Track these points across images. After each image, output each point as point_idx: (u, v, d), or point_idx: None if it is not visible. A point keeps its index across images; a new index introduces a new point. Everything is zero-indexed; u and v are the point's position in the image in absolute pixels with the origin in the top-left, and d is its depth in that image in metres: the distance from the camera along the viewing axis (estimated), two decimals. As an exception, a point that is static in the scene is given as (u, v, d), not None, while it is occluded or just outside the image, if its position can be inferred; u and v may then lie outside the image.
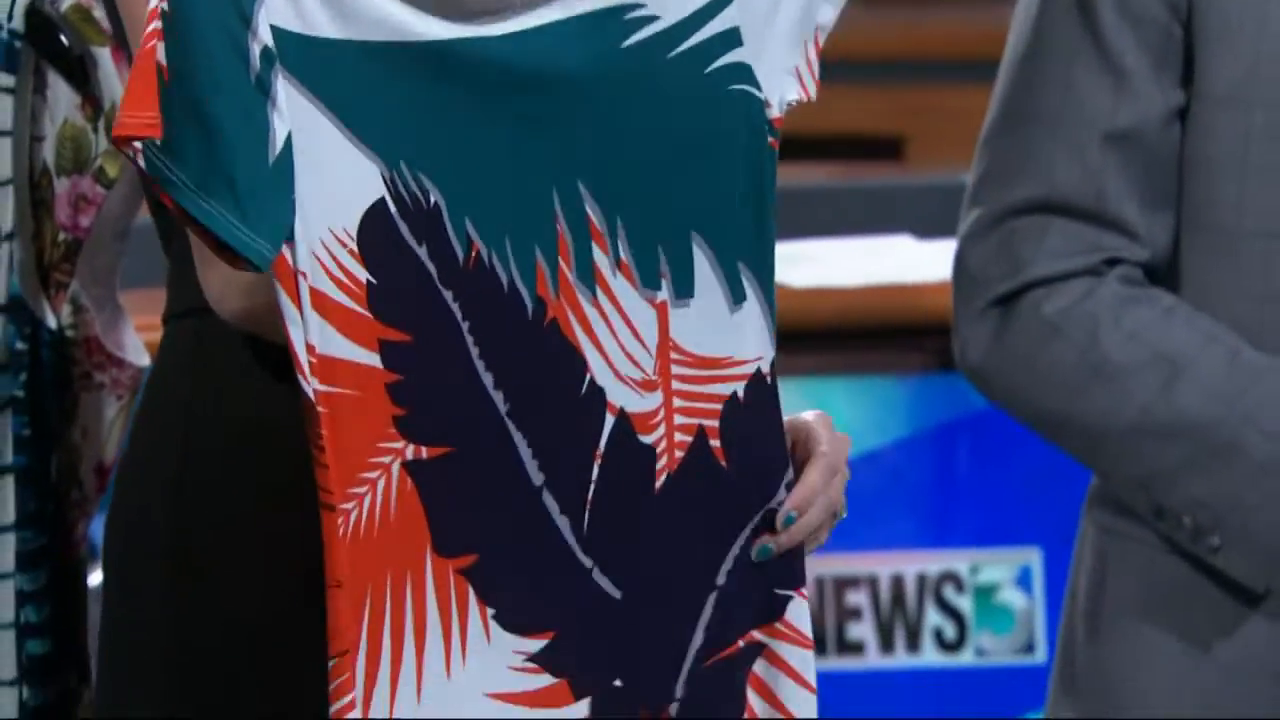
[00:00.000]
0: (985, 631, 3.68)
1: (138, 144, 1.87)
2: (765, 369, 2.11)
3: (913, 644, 3.66)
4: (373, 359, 1.98)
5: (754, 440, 2.12)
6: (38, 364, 2.20)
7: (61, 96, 2.24)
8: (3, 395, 2.19)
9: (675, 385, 2.08)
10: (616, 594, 2.05)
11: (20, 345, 2.19)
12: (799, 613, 2.13)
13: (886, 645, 3.66)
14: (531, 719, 2.04)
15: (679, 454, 2.08)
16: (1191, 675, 2.36)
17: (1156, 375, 2.31)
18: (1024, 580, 3.68)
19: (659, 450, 2.08)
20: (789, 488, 2.14)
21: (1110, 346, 2.31)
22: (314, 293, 1.95)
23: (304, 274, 1.94)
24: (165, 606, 2.16)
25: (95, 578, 2.81)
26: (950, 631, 3.68)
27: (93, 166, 2.25)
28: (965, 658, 3.67)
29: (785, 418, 2.16)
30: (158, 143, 1.88)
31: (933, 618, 3.67)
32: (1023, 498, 3.60)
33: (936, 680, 3.67)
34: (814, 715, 2.14)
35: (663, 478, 2.07)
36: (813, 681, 2.13)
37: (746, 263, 2.11)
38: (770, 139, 2.10)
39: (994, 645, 3.66)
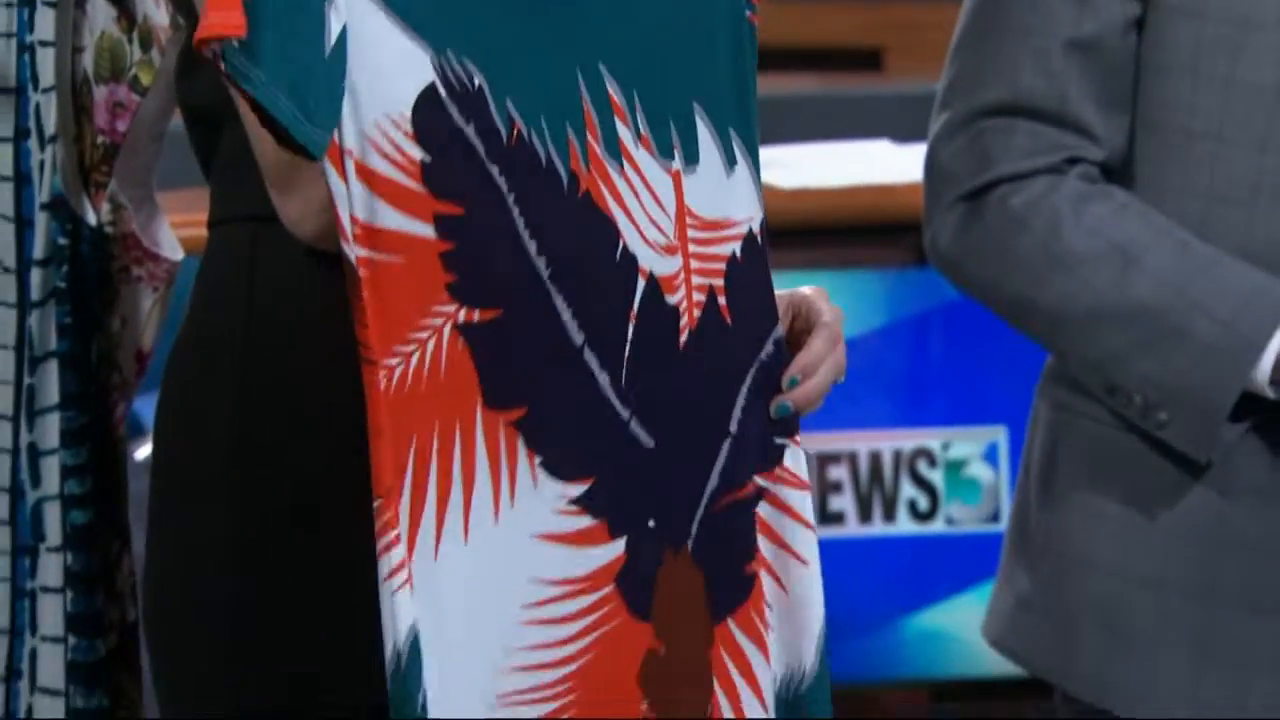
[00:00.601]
0: (955, 502, 3.70)
1: (216, 45, 1.85)
2: (756, 228, 2.12)
3: (889, 514, 3.69)
4: (427, 230, 1.97)
5: (750, 296, 2.13)
6: (78, 258, 2.19)
7: (100, 10, 2.22)
8: (46, 286, 2.17)
9: (691, 249, 2.09)
10: (650, 442, 2.05)
11: (62, 240, 2.18)
12: (796, 459, 2.15)
13: (865, 516, 3.68)
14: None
15: (696, 313, 2.09)
16: (1136, 540, 2.35)
17: (1112, 264, 2.29)
18: (991, 456, 3.70)
19: (681, 310, 2.08)
20: (777, 343, 2.14)
21: (1071, 238, 2.30)
22: (361, 168, 1.94)
23: (350, 151, 1.92)
24: (226, 495, 2.15)
25: (140, 453, 2.81)
26: (923, 503, 3.70)
27: (128, 75, 2.24)
28: (937, 526, 3.69)
29: (786, 290, 2.17)
30: (236, 43, 1.86)
31: (907, 490, 3.69)
32: (990, 380, 3.62)
33: (911, 547, 3.69)
34: (815, 553, 2.14)
35: (685, 335, 2.08)
36: (812, 521, 2.14)
37: (735, 129, 2.12)
38: (749, 13, 2.12)
39: (963, 515, 3.68)
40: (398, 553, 1.94)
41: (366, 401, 1.95)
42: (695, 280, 2.09)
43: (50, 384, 2.17)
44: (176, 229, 2.33)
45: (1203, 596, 2.31)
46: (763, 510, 2.12)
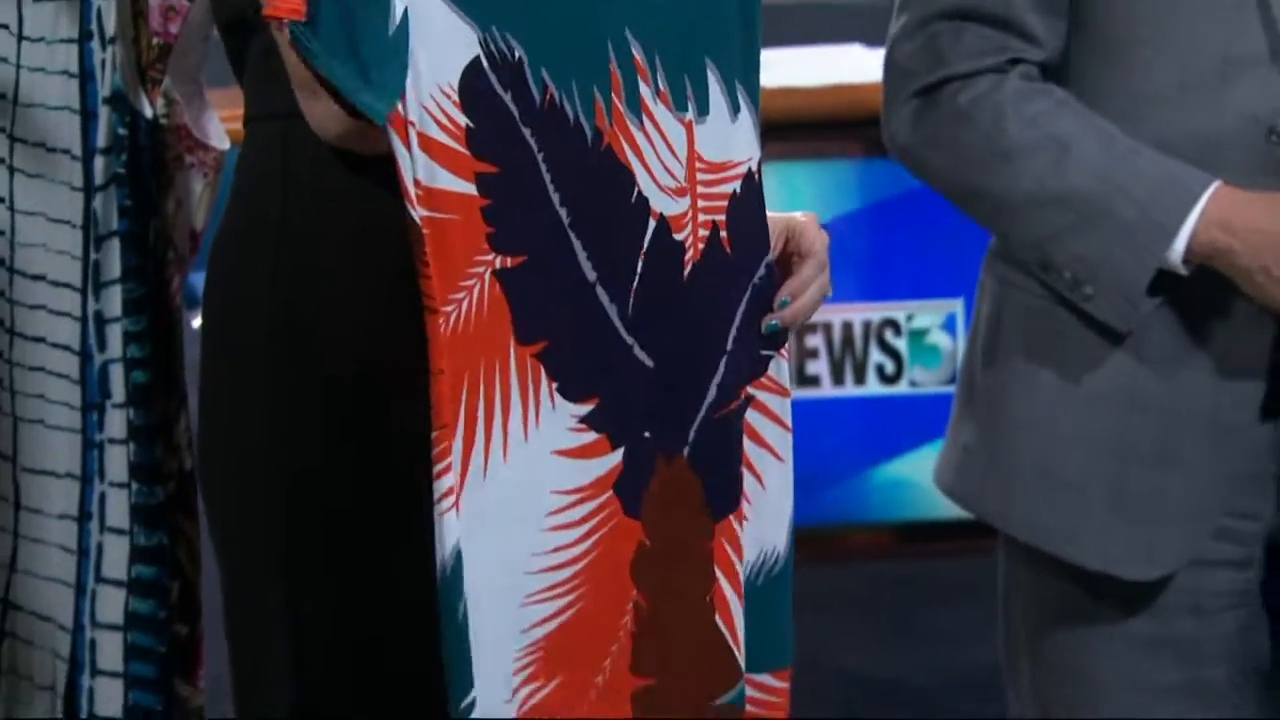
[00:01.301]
0: (918, 367, 3.69)
1: (283, 19, 1.88)
2: (754, 167, 2.12)
3: (859, 377, 3.68)
4: (470, 188, 1.98)
5: (747, 227, 2.13)
6: (137, 147, 2.19)
7: (154, -76, 2.21)
8: (108, 172, 2.18)
9: (699, 190, 2.09)
10: (650, 363, 2.06)
11: (122, 131, 2.18)
12: (779, 368, 2.16)
13: (838, 379, 3.68)
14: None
15: (700, 246, 2.09)
16: (1066, 401, 2.35)
17: (1047, 155, 2.28)
18: (949, 325, 3.69)
19: (686, 245, 2.08)
20: (768, 266, 2.15)
21: (1011, 131, 2.29)
22: (421, 137, 1.94)
23: (413, 123, 1.93)
24: (264, 363, 2.16)
25: (196, 322, 2.81)
26: (890, 367, 3.69)
27: (179, -18, 2.23)
28: (901, 388, 3.69)
29: (780, 215, 2.17)
30: (300, 20, 1.88)
31: (875, 356, 3.69)
32: (948, 258, 3.61)
33: (878, 406, 3.69)
34: (790, 452, 2.16)
35: (689, 267, 2.08)
36: (789, 424, 2.16)
37: (740, 80, 2.12)
38: None
39: (925, 378, 3.68)
40: (448, 480, 1.96)
41: (429, 346, 1.96)
42: (701, 218, 2.09)
43: (113, 259, 2.18)
44: (224, 122, 2.33)
45: (1119, 453, 2.32)
46: (750, 416, 2.13)
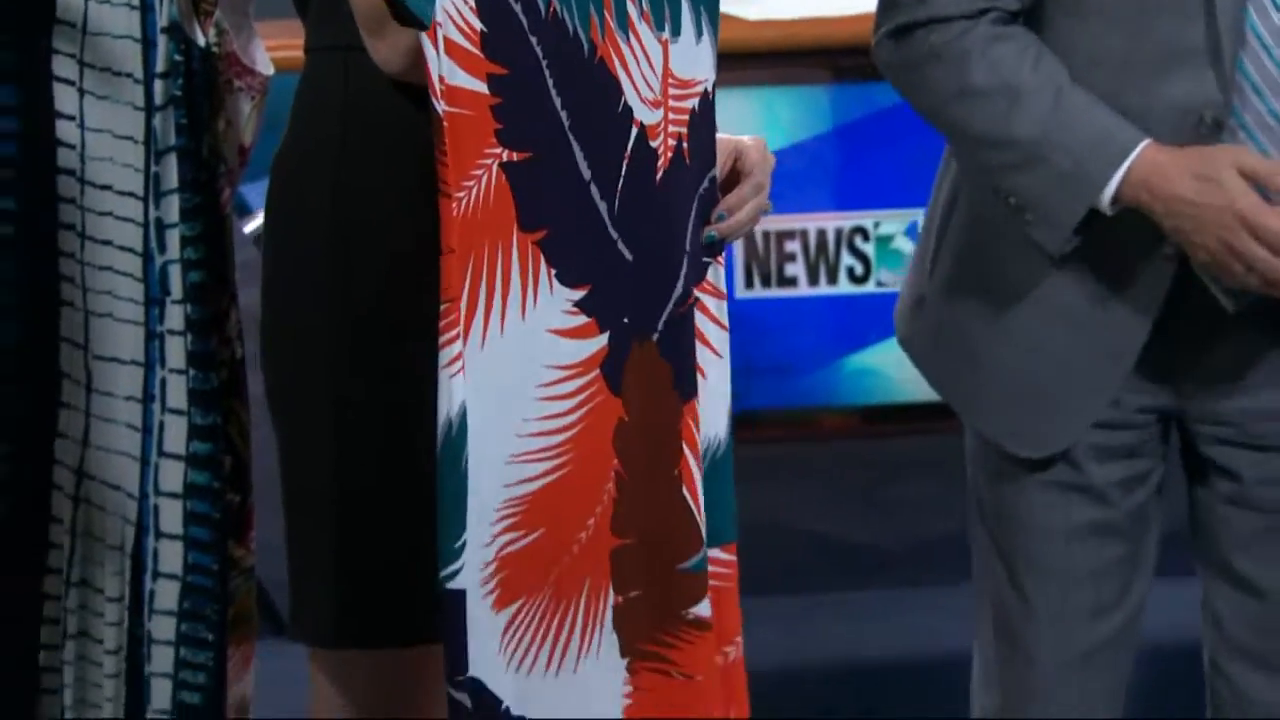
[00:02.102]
0: (884, 269, 3.66)
1: None
2: (709, 88, 2.12)
3: (832, 278, 3.65)
4: (482, 87, 1.97)
5: (701, 141, 2.13)
6: (191, 72, 2.18)
7: None
8: (166, 94, 2.16)
9: (670, 104, 2.08)
10: (630, 257, 2.06)
11: (178, 57, 2.17)
12: (717, 274, 2.16)
13: (813, 279, 3.65)
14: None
15: (669, 155, 2.08)
16: (1008, 312, 2.34)
17: (1001, 102, 2.26)
18: (911, 231, 3.63)
19: (659, 152, 2.08)
20: (712, 180, 2.14)
21: (974, 75, 2.27)
22: (446, 40, 1.95)
23: (439, 24, 1.94)
24: (325, 265, 2.16)
25: (246, 228, 2.80)
26: (859, 269, 3.66)
27: (230, -80, 2.21)
28: (869, 287, 3.66)
29: (730, 137, 2.17)
30: None
31: (846, 259, 3.65)
32: (911, 173, 3.57)
33: (848, 304, 3.66)
34: (727, 349, 2.16)
35: (660, 173, 2.07)
36: (726, 323, 2.16)
37: (704, 5, 2.11)
38: None
39: (889, 278, 3.65)
40: (455, 347, 1.97)
41: (442, 227, 1.96)
42: (671, 129, 2.08)
43: (171, 171, 2.17)
44: (270, 51, 2.31)
45: (1027, 347, 2.32)
46: (697, 319, 2.13)
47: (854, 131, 3.62)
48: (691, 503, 2.09)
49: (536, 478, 2.01)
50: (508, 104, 1.99)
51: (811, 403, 3.66)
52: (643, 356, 2.07)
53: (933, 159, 2.46)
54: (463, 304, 1.97)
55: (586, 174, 2.03)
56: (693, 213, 2.12)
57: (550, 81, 2.01)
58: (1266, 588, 2.36)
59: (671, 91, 2.08)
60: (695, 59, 2.10)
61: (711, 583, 2.13)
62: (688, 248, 2.11)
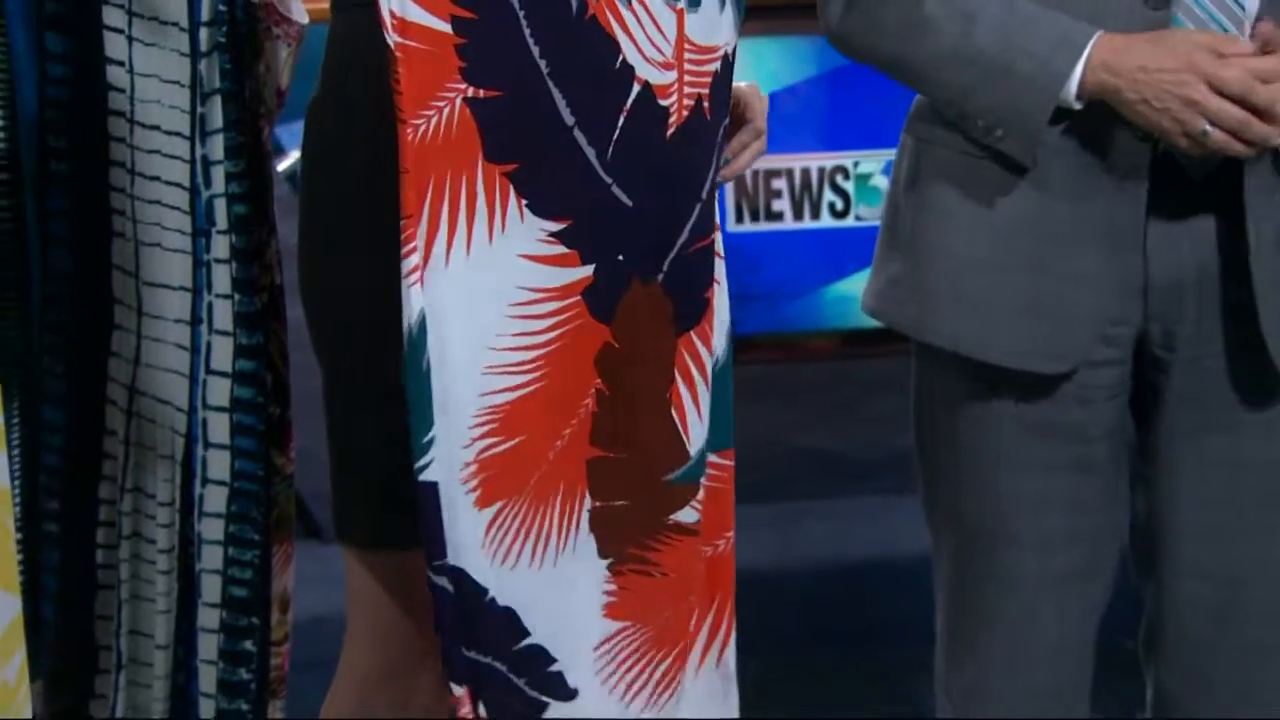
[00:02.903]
0: (862, 204, 3.66)
1: None
2: (730, 51, 2.08)
3: (815, 213, 3.66)
4: (445, 26, 1.93)
5: (720, 98, 2.09)
6: (234, 20, 2.15)
7: None
8: (212, 41, 2.14)
9: (687, 67, 2.04)
10: (629, 202, 2.02)
11: (222, 7, 2.14)
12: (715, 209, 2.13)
13: (798, 214, 3.66)
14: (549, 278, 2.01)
15: (685, 113, 2.04)
16: (980, 231, 2.30)
17: (956, 25, 2.22)
18: (887, 170, 3.64)
19: (671, 110, 2.03)
20: (724, 128, 2.11)
21: (926, 6, 2.23)
22: None
23: None
24: (357, 196, 2.16)
25: (280, 166, 2.76)
26: (840, 204, 3.67)
27: (268, -118, 2.18)
28: (849, 221, 3.67)
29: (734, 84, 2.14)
30: None
31: (828, 195, 3.66)
32: (887, 116, 3.57)
33: (830, 237, 3.67)
34: (725, 276, 2.14)
35: (672, 129, 2.03)
36: (722, 253, 2.14)
37: None
38: None
39: (868, 213, 3.65)
40: (413, 259, 1.94)
41: (400, 150, 1.93)
42: (687, 90, 2.04)
43: (216, 112, 2.15)
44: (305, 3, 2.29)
45: (1028, 269, 2.28)
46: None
47: (835, 79, 3.61)
48: (679, 423, 2.08)
49: (513, 389, 1.99)
50: (473, 45, 1.94)
51: (797, 328, 3.67)
52: (644, 293, 2.05)
53: (906, 104, 2.44)
54: (423, 222, 1.94)
55: (570, 119, 1.99)
56: (713, 164, 2.09)
57: (527, 31, 1.96)
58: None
59: (688, 56, 2.04)
60: (717, 26, 2.07)
61: (709, 484, 2.13)
62: (704, 195, 2.08)
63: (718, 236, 2.13)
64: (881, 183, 3.65)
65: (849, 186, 3.68)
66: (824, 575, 3.56)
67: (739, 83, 2.17)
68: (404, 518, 2.10)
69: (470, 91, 1.94)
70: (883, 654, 3.31)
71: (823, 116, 3.67)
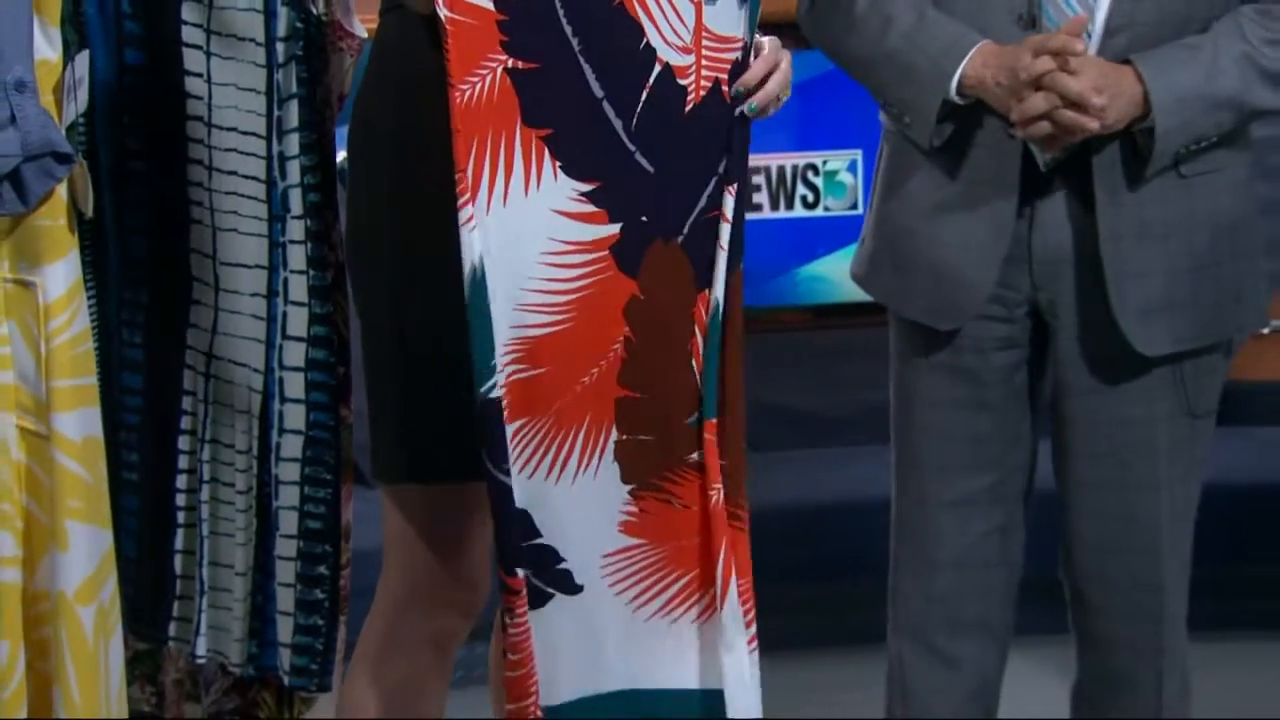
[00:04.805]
0: (830, 197, 3.69)
1: None
2: (749, 43, 2.10)
3: (789, 204, 3.68)
4: (489, 4, 1.96)
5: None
6: (309, 35, 2.20)
7: None
8: (288, 53, 2.18)
9: (705, 52, 2.06)
10: (651, 169, 2.05)
11: (299, 24, 2.19)
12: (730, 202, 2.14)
13: (774, 205, 3.68)
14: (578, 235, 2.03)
15: (703, 93, 2.06)
16: (905, 202, 2.38)
17: (878, 26, 2.31)
18: (852, 168, 3.69)
19: (689, 89, 2.06)
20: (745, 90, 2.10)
21: (858, 9, 2.32)
22: None
23: None
24: (390, 174, 2.18)
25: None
26: (810, 197, 3.69)
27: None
28: (818, 212, 3.69)
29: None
30: None
31: (800, 189, 3.68)
32: (851, 121, 3.63)
33: (802, 225, 3.69)
34: (728, 241, 2.12)
35: (690, 107, 2.06)
36: (731, 218, 2.12)
37: None
38: None
39: (835, 205, 3.68)
40: (469, 209, 1.98)
41: (450, 110, 1.96)
42: (705, 73, 2.06)
43: (292, 114, 2.19)
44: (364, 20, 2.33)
45: (935, 241, 2.34)
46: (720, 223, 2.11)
47: (809, 88, 3.61)
48: (697, 372, 2.11)
49: (540, 325, 2.01)
50: (513, 21, 1.96)
51: (774, 304, 3.70)
52: (666, 252, 2.06)
53: (867, 109, 2.50)
54: (469, 174, 1.97)
55: (599, 92, 2.01)
56: (732, 145, 2.09)
57: (561, 11, 1.98)
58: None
59: (706, 43, 2.05)
60: (736, 20, 2.07)
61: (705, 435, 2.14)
62: (720, 170, 2.08)
63: (727, 200, 2.08)
64: (846, 178, 3.69)
65: (818, 181, 3.71)
66: (791, 516, 3.60)
67: (763, 38, 2.17)
68: (426, 456, 2.17)
69: (510, 63, 1.96)
70: (845, 584, 3.35)
71: (795, 121, 3.70)
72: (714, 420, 2.12)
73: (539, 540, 2.05)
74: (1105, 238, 2.30)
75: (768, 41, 2.15)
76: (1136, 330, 2.31)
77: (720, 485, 2.12)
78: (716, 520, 2.12)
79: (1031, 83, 2.22)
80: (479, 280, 1.98)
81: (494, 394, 2.00)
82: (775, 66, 2.12)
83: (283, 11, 2.17)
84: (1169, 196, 2.31)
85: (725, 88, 2.08)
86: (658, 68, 2.04)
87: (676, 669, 2.09)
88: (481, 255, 1.97)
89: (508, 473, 2.01)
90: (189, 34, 2.20)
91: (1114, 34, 2.27)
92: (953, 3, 2.31)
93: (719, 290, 2.10)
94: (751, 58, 2.11)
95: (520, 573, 2.03)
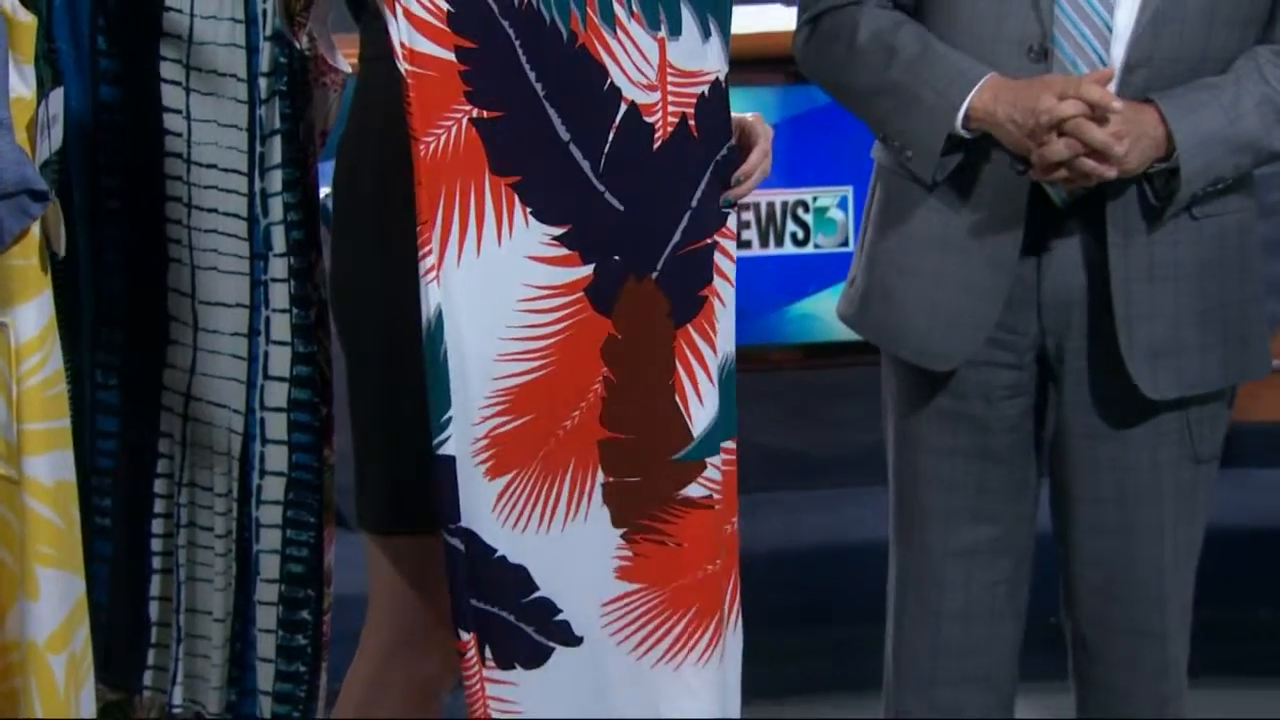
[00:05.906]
0: (820, 234, 3.67)
1: None
2: (721, 77, 2.12)
3: (779, 241, 3.67)
4: (450, 55, 1.97)
5: (713, 120, 2.13)
6: (292, 70, 2.20)
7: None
8: (271, 89, 2.18)
9: (670, 88, 2.08)
10: (621, 207, 2.06)
11: (282, 59, 2.19)
12: (731, 220, 2.18)
13: (764, 242, 3.66)
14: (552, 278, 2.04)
15: (670, 129, 2.08)
16: (902, 240, 2.36)
17: (881, 57, 2.29)
18: (842, 204, 3.66)
19: (656, 127, 2.07)
20: (731, 149, 2.15)
21: (859, 40, 2.30)
22: (405, 11, 1.93)
23: (399, 2, 1.94)
24: (373, 216, 2.19)
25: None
26: (800, 234, 3.67)
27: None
28: (809, 249, 3.68)
29: (739, 115, 2.17)
30: None
31: (790, 226, 3.66)
32: (841, 157, 3.62)
33: (792, 262, 3.67)
34: (734, 275, 2.17)
35: (658, 144, 2.07)
36: (735, 256, 2.18)
37: (712, 13, 2.11)
38: None
39: (825, 241, 3.67)
40: (430, 260, 1.98)
41: (414, 165, 1.97)
42: (671, 109, 2.07)
43: (275, 150, 2.18)
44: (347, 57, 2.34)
45: (933, 280, 2.33)
46: (717, 258, 2.14)
47: (798, 123, 3.64)
48: (682, 408, 2.11)
49: (521, 374, 2.02)
50: (476, 71, 1.97)
51: (763, 341, 3.67)
52: (639, 289, 2.07)
53: (857, 145, 2.48)
54: (436, 227, 1.97)
55: (565, 135, 2.01)
56: (706, 175, 2.11)
57: (523, 57, 1.99)
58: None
59: (671, 79, 2.07)
60: (701, 54, 2.09)
61: (725, 468, 2.16)
62: (694, 203, 2.10)
63: (729, 244, 2.13)
64: (837, 215, 3.68)
65: (808, 218, 3.70)
66: (778, 558, 3.60)
67: (745, 114, 2.19)
68: (416, 505, 2.15)
69: (475, 112, 1.97)
70: (835, 630, 3.34)
71: (785, 158, 3.68)
72: (736, 436, 2.14)
73: (537, 594, 2.05)
74: (1117, 279, 2.29)
75: (754, 123, 2.17)
76: (1144, 373, 2.30)
77: (736, 518, 2.14)
78: (730, 551, 2.14)
79: (1053, 126, 2.21)
80: (434, 334, 1.99)
81: (446, 450, 2.01)
82: (766, 155, 2.18)
83: (265, 46, 2.17)
84: (1180, 238, 2.31)
85: (693, 122, 2.09)
86: (624, 107, 2.04)
87: (681, 711, 2.11)
88: (439, 309, 1.98)
89: (454, 533, 2.02)
90: (167, 70, 2.19)
91: (1133, 70, 2.27)
92: (959, 35, 2.30)
93: (729, 321, 2.13)
94: (741, 145, 2.14)
95: (465, 635, 2.03)
